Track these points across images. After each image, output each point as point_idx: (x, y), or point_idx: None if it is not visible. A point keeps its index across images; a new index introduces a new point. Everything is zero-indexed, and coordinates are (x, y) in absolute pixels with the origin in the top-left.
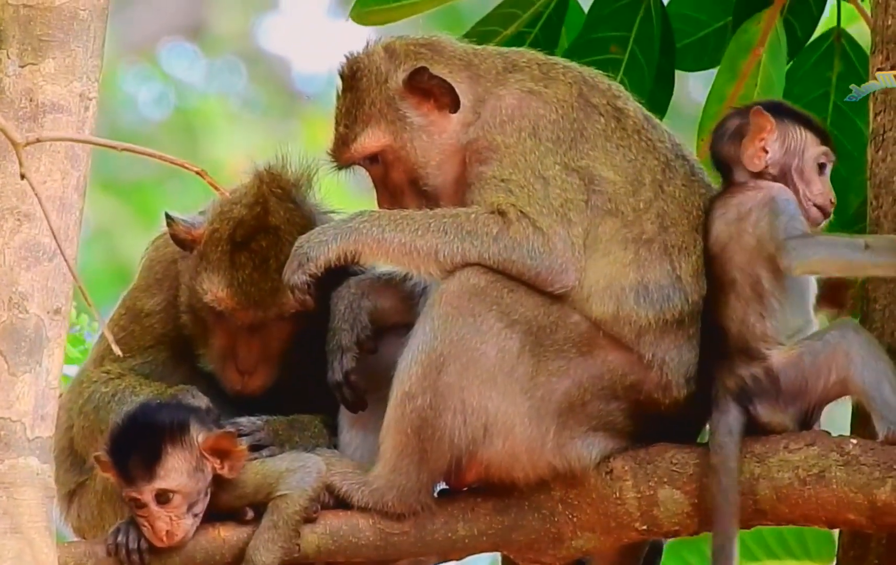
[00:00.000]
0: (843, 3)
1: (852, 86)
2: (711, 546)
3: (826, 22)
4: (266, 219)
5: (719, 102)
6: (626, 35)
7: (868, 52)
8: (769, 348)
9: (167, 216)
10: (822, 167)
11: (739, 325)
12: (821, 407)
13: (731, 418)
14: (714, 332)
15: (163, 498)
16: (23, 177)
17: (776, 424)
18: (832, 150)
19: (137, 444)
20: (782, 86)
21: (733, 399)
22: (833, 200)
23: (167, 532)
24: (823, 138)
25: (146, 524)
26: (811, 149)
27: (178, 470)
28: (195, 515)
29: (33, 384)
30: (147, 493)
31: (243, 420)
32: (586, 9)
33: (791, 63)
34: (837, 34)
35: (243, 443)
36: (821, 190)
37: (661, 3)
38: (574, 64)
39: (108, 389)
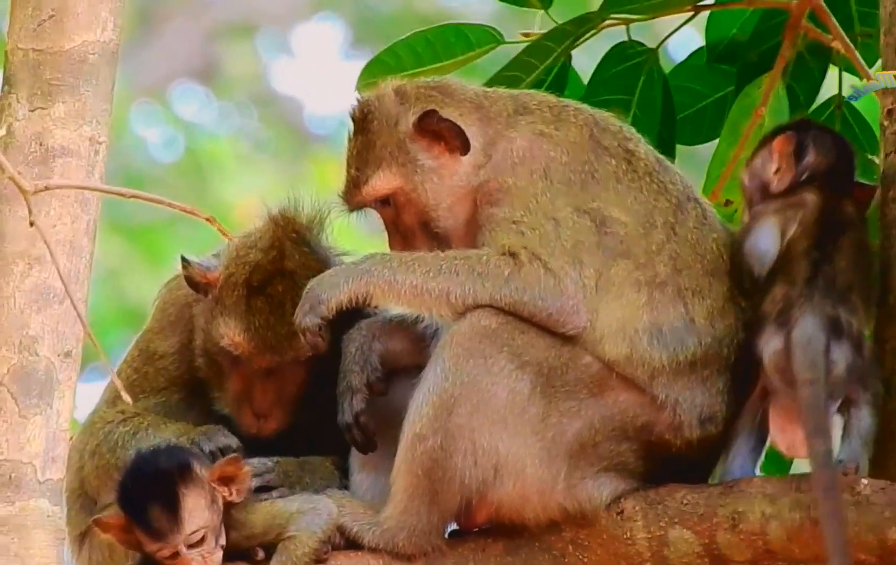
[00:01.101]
0: (845, 74)
1: (852, 85)
2: None
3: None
4: (282, 264)
5: (722, 166)
6: (629, 98)
7: (870, 120)
8: None
9: (183, 259)
10: None
11: None
12: None
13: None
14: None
15: (193, 540)
16: (32, 224)
17: None
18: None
19: (152, 498)
20: None
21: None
22: None
23: None
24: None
25: None
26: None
27: (199, 509)
28: (222, 546)
29: (44, 426)
30: (179, 543)
31: (254, 461)
32: (585, 80)
33: None
34: (839, 103)
35: (246, 466)
36: None
37: (662, 71)
38: (586, 106)
39: (127, 428)
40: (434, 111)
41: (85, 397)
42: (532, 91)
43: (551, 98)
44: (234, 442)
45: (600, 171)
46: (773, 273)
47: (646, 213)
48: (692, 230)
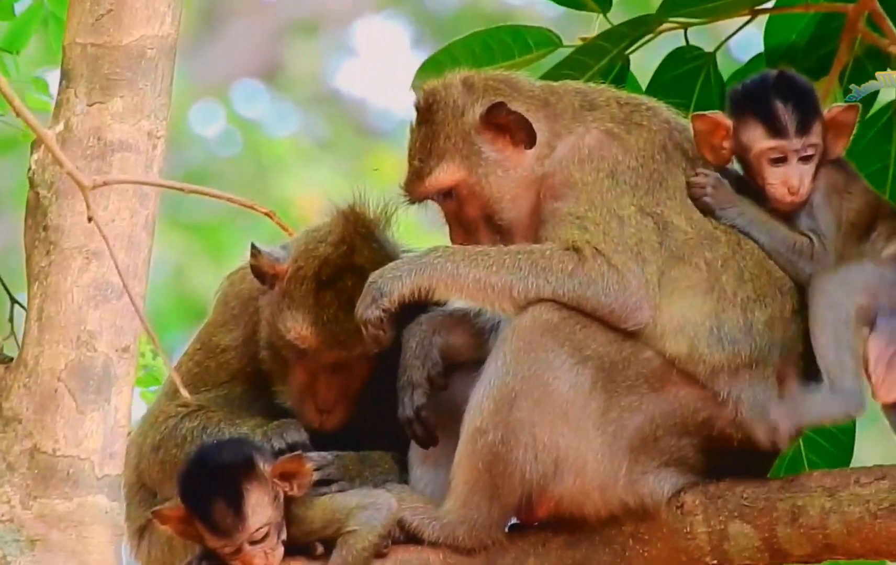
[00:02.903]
0: None
1: (852, 85)
2: None
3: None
4: (352, 259)
5: None
6: (686, 102)
7: None
8: None
9: (253, 247)
10: (777, 161)
11: None
12: None
13: None
14: None
15: (257, 537)
16: (90, 219)
17: None
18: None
19: (217, 495)
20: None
21: None
22: (793, 184)
23: None
24: (775, 131)
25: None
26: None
27: (262, 505)
28: (283, 542)
29: (102, 422)
30: (243, 541)
31: (314, 455)
32: (643, 82)
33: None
34: None
35: (308, 463)
36: (771, 181)
37: (720, 75)
38: (662, 106)
39: (195, 423)
40: (503, 103)
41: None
42: (600, 86)
43: (621, 94)
44: (305, 438)
45: (670, 182)
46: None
47: (711, 227)
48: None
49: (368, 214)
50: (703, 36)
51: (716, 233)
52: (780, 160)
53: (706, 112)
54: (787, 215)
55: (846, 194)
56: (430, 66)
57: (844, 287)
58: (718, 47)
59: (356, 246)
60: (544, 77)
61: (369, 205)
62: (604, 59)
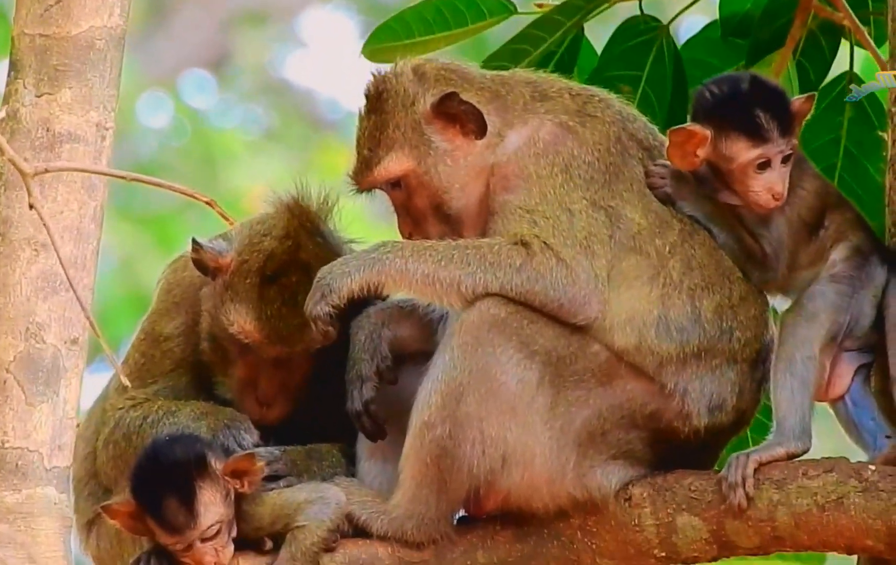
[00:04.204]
0: (858, 49)
1: (852, 86)
2: None
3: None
4: (297, 254)
5: None
6: (639, 74)
7: (881, 97)
8: None
9: (194, 242)
10: (761, 167)
11: None
12: None
13: None
14: None
15: (209, 534)
16: (31, 207)
17: None
18: (773, 142)
19: (169, 492)
20: None
21: None
22: (778, 190)
23: (215, 563)
24: (760, 140)
25: (191, 561)
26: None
27: (214, 503)
28: (234, 539)
29: (50, 414)
30: (195, 538)
31: (261, 450)
32: (599, 50)
33: None
34: (849, 78)
35: (260, 461)
36: (755, 189)
37: (674, 45)
38: (613, 98)
39: (138, 413)
40: (455, 93)
41: (93, 386)
42: (552, 76)
43: (573, 84)
44: (256, 437)
45: (625, 173)
46: None
47: (664, 215)
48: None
49: (313, 207)
50: (658, 9)
51: (671, 222)
52: (764, 165)
53: (684, 125)
54: (741, 217)
55: (799, 190)
56: (382, 34)
57: (812, 323)
58: (673, 19)
59: (301, 241)
60: (498, 50)
61: (313, 198)
62: (559, 31)
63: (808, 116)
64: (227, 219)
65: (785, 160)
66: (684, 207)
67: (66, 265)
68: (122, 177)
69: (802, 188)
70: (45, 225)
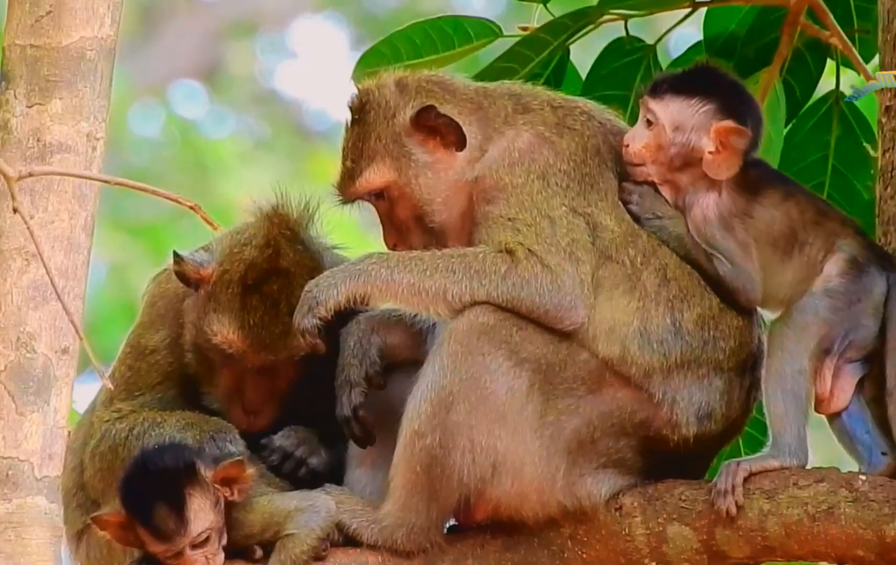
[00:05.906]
0: (844, 69)
1: (852, 86)
2: None
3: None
4: (277, 262)
5: None
6: (627, 94)
7: (867, 115)
8: None
9: (175, 254)
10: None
11: None
12: None
13: None
14: None
15: (199, 541)
16: (15, 211)
17: None
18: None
19: (159, 500)
20: (780, 146)
21: None
22: (625, 144)
23: None
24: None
25: None
26: None
27: (204, 510)
28: (224, 546)
29: (41, 423)
30: (185, 545)
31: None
32: (583, 74)
33: (790, 126)
34: (836, 98)
35: (249, 469)
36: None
37: (660, 67)
38: (596, 109)
39: (124, 426)
40: (432, 106)
41: (84, 396)
42: (536, 88)
43: (556, 96)
44: (241, 447)
45: (601, 184)
46: None
47: (633, 226)
48: None
49: (292, 215)
50: (644, 30)
51: (640, 233)
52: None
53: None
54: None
55: (747, 219)
56: (371, 57)
57: (801, 336)
58: (659, 40)
59: (281, 249)
60: (484, 70)
61: (292, 206)
62: (545, 51)
63: (739, 156)
64: (211, 224)
65: (648, 124)
66: (649, 225)
67: (57, 275)
68: (107, 182)
69: (751, 216)
70: (28, 230)
